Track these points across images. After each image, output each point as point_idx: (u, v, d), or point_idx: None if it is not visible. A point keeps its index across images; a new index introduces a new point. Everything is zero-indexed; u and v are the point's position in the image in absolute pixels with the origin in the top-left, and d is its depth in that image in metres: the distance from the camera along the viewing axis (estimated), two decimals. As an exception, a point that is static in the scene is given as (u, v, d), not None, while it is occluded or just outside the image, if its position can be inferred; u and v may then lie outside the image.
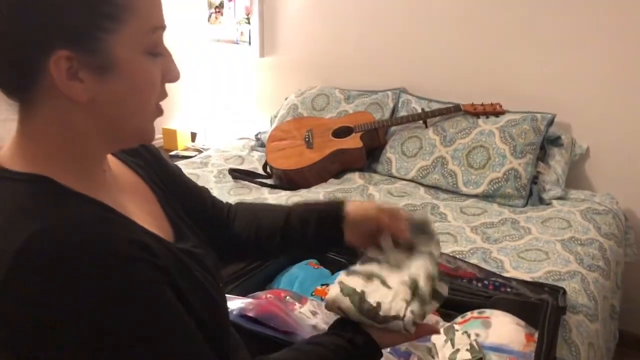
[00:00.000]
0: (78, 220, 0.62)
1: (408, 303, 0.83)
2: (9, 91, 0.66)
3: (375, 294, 0.85)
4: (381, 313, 0.83)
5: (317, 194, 2.26)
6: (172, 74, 0.73)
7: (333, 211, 0.98)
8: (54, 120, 0.66)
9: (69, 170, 0.68)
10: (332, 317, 1.19)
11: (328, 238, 0.98)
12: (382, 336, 0.85)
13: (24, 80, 0.64)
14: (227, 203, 1.07)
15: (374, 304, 0.84)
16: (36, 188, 0.65)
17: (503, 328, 1.18)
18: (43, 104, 0.66)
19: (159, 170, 0.91)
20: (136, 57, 0.67)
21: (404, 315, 0.82)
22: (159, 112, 0.74)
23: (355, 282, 0.87)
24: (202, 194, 1.02)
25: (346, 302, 0.85)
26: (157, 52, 0.70)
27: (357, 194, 2.26)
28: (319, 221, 0.98)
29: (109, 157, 0.81)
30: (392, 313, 0.83)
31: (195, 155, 2.84)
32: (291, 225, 1.00)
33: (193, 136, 3.32)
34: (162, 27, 0.70)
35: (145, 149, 0.91)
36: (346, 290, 0.86)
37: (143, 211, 0.79)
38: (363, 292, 0.85)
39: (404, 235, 0.92)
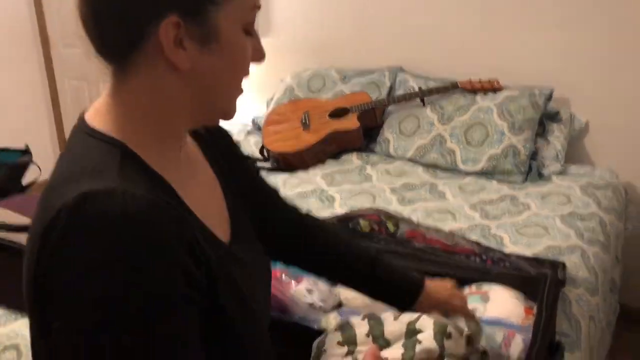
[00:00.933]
0: (129, 194, 0.58)
1: None
2: (111, 52, 0.66)
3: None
4: None
5: (315, 175, 2.24)
6: (259, 53, 0.73)
7: (423, 292, 1.01)
8: (148, 87, 0.66)
9: (147, 140, 0.68)
10: (328, 295, 1.19)
11: (396, 298, 1.01)
12: None
13: (131, 41, 0.64)
14: (297, 209, 1.03)
15: None
16: (108, 150, 0.65)
17: (502, 302, 1.17)
18: (140, 69, 0.66)
19: (235, 164, 0.89)
20: (237, 33, 0.68)
21: None
22: (242, 91, 0.74)
23: None
24: (274, 196, 1.00)
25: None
26: (251, 31, 0.71)
27: (354, 174, 2.24)
28: (400, 280, 1.01)
29: (190, 141, 0.80)
30: None
31: (192, 140, 2.81)
32: (378, 268, 1.00)
33: (190, 121, 3.30)
34: (259, 7, 0.71)
35: (221, 134, 0.91)
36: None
37: (206, 204, 0.76)
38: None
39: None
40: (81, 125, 0.69)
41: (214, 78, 0.68)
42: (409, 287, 1.01)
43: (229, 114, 0.74)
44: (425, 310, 0.95)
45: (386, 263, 1.01)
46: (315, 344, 0.91)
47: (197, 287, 0.61)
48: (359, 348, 0.87)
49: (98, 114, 0.69)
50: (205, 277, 0.63)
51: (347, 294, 1.22)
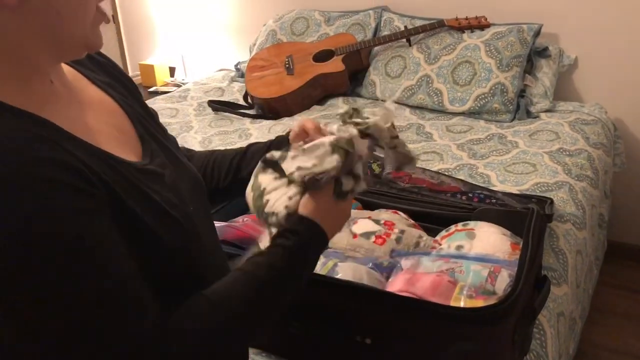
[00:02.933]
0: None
1: (290, 197, 0.79)
2: None
3: (274, 192, 0.81)
4: (265, 210, 0.80)
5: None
6: None
7: (280, 138, 0.96)
8: None
9: (5, 80, 0.62)
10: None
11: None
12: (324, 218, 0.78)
13: None
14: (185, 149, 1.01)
15: (264, 202, 0.81)
16: None
17: (488, 238, 1.15)
18: None
19: (138, 105, 0.84)
20: None
21: (279, 212, 0.78)
22: (102, 16, 0.67)
23: (265, 179, 0.83)
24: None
25: (249, 198, 0.83)
26: None
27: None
28: (271, 146, 0.95)
29: (70, 71, 0.75)
30: (270, 210, 0.80)
31: (175, 90, 2.75)
32: (246, 156, 0.97)
33: (172, 71, 3.22)
34: None
35: (127, 79, 0.86)
36: (255, 186, 0.83)
37: (107, 125, 0.74)
38: (264, 190, 0.82)
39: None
40: None
41: (51, 8, 0.60)
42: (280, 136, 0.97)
43: (90, 45, 0.66)
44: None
45: (250, 150, 0.98)
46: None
47: (100, 198, 0.61)
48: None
49: None
50: (110, 197, 0.62)
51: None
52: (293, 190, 0.80)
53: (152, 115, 0.87)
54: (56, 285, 0.56)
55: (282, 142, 0.96)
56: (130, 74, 3.34)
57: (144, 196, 0.68)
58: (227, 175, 0.97)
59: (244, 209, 1.36)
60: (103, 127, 0.73)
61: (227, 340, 0.69)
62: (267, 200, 0.81)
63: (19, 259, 0.55)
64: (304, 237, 0.77)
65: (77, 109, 0.71)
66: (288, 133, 0.95)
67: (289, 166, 0.80)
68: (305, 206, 0.79)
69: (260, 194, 0.82)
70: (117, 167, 0.67)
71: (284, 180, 0.81)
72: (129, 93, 0.84)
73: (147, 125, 0.83)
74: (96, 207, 0.60)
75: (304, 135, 0.89)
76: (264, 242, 0.81)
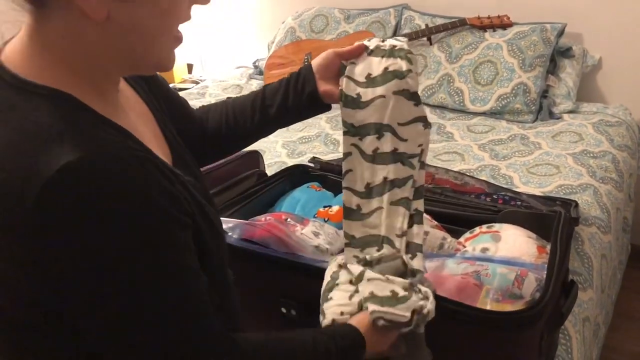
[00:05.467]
0: (113, 155, 0.56)
1: (342, 313, 0.83)
2: None
3: (338, 293, 0.85)
4: (324, 305, 0.85)
5: (319, 119, 2.19)
6: None
7: (302, 69, 0.95)
8: (68, 34, 0.59)
9: (87, 87, 0.62)
10: (335, 238, 1.16)
11: (305, 94, 0.93)
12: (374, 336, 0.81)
13: None
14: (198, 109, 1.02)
15: (328, 297, 0.85)
16: (60, 107, 0.58)
17: (513, 241, 1.13)
18: (57, 13, 0.59)
19: (152, 83, 0.84)
20: None
21: (326, 317, 0.84)
22: (179, 40, 0.67)
23: (343, 277, 0.86)
24: (186, 105, 0.97)
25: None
26: None
27: (360, 117, 2.18)
28: (291, 82, 0.95)
29: None
30: (324, 308, 0.84)
31: (192, 87, 2.75)
32: (266, 96, 0.96)
33: (190, 68, 3.22)
34: None
35: None
36: (333, 275, 0.86)
37: (149, 133, 0.74)
38: (336, 284, 0.85)
39: (359, 50, 0.91)
40: (5, 73, 0.60)
41: (137, 30, 0.61)
42: (299, 70, 0.96)
43: (163, 65, 0.67)
44: (326, 67, 0.93)
45: (268, 88, 0.98)
46: (329, 273, 0.89)
47: (185, 213, 0.63)
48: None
49: (25, 61, 0.60)
50: (192, 221, 0.64)
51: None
52: (349, 308, 0.82)
53: (167, 103, 0.87)
54: (150, 307, 0.59)
55: (305, 72, 0.95)
56: (149, 70, 3.35)
57: (203, 212, 0.69)
58: (254, 116, 0.96)
59: (265, 209, 1.36)
60: (149, 134, 0.74)
61: None
62: (330, 298, 0.84)
63: (121, 283, 0.57)
64: (351, 347, 0.78)
65: (132, 116, 0.72)
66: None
67: (363, 288, 0.82)
68: (360, 321, 0.80)
69: (331, 287, 0.85)
70: (187, 186, 0.67)
71: (353, 289, 0.84)
72: (147, 83, 0.83)
73: (168, 124, 0.82)
74: (189, 236, 0.63)
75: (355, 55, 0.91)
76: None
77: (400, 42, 0.90)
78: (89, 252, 0.54)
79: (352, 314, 0.82)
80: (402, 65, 0.88)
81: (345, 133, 0.91)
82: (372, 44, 0.91)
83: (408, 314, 0.79)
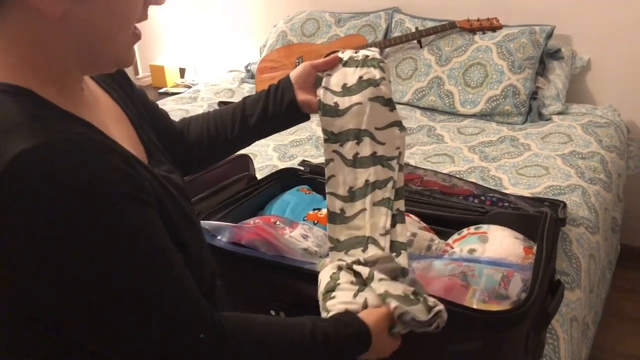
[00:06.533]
0: (69, 140, 0.56)
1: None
2: None
3: (341, 292, 0.84)
4: (326, 303, 0.84)
5: (311, 122, 2.19)
6: None
7: (281, 81, 1.00)
8: (24, 34, 0.60)
9: (47, 84, 0.62)
10: (324, 240, 1.16)
11: (284, 104, 0.98)
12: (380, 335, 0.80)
13: None
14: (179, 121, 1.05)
15: (331, 296, 0.84)
16: (19, 100, 0.59)
17: (500, 242, 1.14)
18: (12, 13, 0.59)
19: (129, 91, 0.86)
20: None
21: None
22: (137, 37, 0.67)
23: (344, 278, 0.86)
24: (167, 116, 0.99)
25: (322, 282, 0.86)
26: None
27: (351, 120, 2.19)
28: (271, 93, 0.99)
29: None
30: (328, 306, 0.84)
31: (185, 91, 2.76)
32: (246, 106, 1.00)
33: (182, 72, 3.22)
34: None
35: (117, 72, 0.85)
36: (333, 276, 0.86)
37: (121, 133, 0.75)
38: (337, 285, 0.85)
39: (334, 61, 0.96)
40: None
41: (92, 28, 0.62)
42: (278, 81, 1.00)
43: (122, 62, 0.67)
44: (304, 78, 0.97)
45: (248, 100, 1.01)
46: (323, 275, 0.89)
47: (147, 193, 0.63)
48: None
49: None
50: (160, 207, 0.64)
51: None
52: (354, 306, 0.82)
53: (146, 112, 0.88)
54: (137, 290, 0.59)
55: (284, 84, 0.99)
56: (141, 74, 3.35)
57: (178, 206, 0.70)
58: (234, 126, 0.99)
59: (254, 212, 1.36)
60: (121, 134, 0.74)
61: None
62: (334, 297, 0.83)
63: (103, 269, 0.57)
64: (354, 335, 0.77)
65: (100, 114, 0.72)
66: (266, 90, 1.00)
67: (377, 286, 0.82)
68: (368, 314, 0.80)
69: (333, 287, 0.84)
70: (154, 175, 0.68)
71: (356, 288, 0.84)
72: (122, 90, 0.84)
73: (146, 128, 0.83)
74: (154, 215, 0.63)
75: (330, 66, 0.96)
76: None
77: (373, 52, 0.95)
78: (52, 237, 0.54)
79: (357, 312, 0.82)
80: (376, 73, 0.92)
81: (325, 141, 0.94)
82: (345, 55, 0.95)
83: (427, 315, 0.80)
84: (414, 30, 2.37)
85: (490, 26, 2.27)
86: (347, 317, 0.80)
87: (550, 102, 2.17)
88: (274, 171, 1.44)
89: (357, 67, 0.94)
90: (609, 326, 1.96)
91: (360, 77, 0.92)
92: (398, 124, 0.94)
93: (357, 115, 0.92)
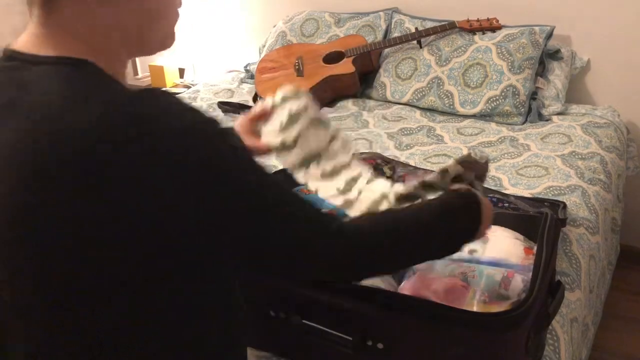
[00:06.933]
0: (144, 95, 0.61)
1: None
2: None
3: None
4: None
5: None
6: None
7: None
8: (81, 17, 0.63)
9: (101, 64, 0.65)
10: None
11: None
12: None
13: None
14: None
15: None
16: (84, 70, 0.63)
17: (501, 242, 1.14)
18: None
19: None
20: None
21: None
22: (179, 16, 0.72)
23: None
24: None
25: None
26: None
27: (351, 121, 2.19)
28: None
29: None
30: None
31: (184, 91, 2.75)
32: None
33: (181, 72, 3.22)
34: None
35: None
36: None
37: None
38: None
39: (265, 109, 1.04)
40: (24, 57, 0.63)
41: (142, 8, 0.66)
42: None
43: (167, 42, 0.72)
44: None
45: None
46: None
47: None
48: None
49: (41, 43, 0.63)
50: None
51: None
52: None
53: None
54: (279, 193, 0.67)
55: None
56: (140, 75, 3.34)
57: None
58: None
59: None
60: None
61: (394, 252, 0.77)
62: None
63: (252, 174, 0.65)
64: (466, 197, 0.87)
65: None
66: None
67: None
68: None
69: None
70: None
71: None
72: None
73: None
74: None
75: (264, 115, 1.03)
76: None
77: (285, 89, 1.05)
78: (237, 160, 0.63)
79: None
80: (299, 103, 1.03)
81: (293, 173, 1.04)
82: (269, 101, 1.04)
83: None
84: (413, 30, 2.37)
85: (490, 26, 2.27)
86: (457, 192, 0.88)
87: (550, 102, 2.17)
88: (273, 171, 1.43)
89: (283, 105, 1.03)
90: (608, 327, 1.95)
91: (290, 112, 1.03)
92: (335, 133, 1.06)
93: (302, 144, 1.03)
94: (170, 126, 0.58)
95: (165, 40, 0.71)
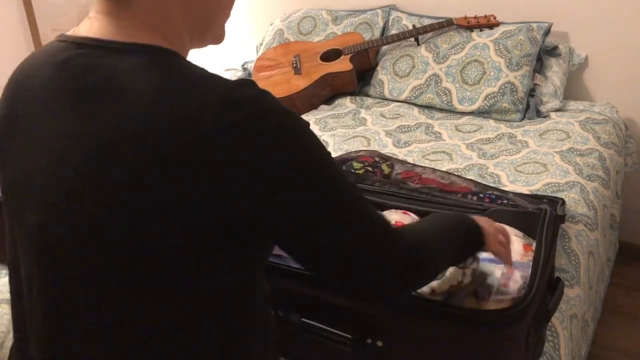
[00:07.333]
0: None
1: None
2: None
3: None
4: None
5: (308, 121, 2.19)
6: None
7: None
8: (152, 8, 0.67)
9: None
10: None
11: None
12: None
13: None
14: None
15: None
16: (173, 57, 0.66)
17: (500, 239, 1.14)
18: None
19: None
20: None
21: None
22: (230, 15, 0.77)
23: None
24: None
25: None
26: None
27: (349, 119, 2.19)
28: None
29: None
30: None
31: (182, 90, 2.75)
32: None
33: (179, 71, 3.21)
34: None
35: None
36: None
37: None
38: None
39: None
40: (107, 44, 0.65)
41: (207, 2, 0.71)
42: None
43: (222, 36, 0.77)
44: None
45: None
46: None
47: None
48: None
49: (113, 33, 0.66)
50: None
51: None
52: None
53: None
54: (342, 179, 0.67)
55: None
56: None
57: None
58: None
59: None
60: None
61: (430, 263, 0.77)
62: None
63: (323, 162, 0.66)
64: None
65: None
66: None
67: None
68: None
69: None
70: None
71: None
72: None
73: None
74: None
75: None
76: None
77: None
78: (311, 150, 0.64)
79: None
80: None
81: None
82: None
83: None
84: (411, 27, 2.36)
85: (488, 23, 2.27)
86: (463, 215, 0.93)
87: (548, 99, 2.16)
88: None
89: None
90: (607, 323, 1.96)
91: None
92: None
93: None
94: (270, 108, 0.62)
95: (220, 35, 0.76)
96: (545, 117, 2.11)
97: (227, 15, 0.75)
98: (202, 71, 0.64)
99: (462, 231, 0.87)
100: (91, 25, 0.68)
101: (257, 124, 0.60)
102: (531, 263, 1.03)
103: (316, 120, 2.18)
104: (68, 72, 0.65)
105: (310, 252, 0.67)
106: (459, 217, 0.92)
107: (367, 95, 2.40)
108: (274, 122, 0.61)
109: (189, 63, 0.66)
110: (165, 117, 0.59)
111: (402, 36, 2.33)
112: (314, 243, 0.66)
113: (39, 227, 0.65)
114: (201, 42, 0.75)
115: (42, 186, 0.65)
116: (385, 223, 0.70)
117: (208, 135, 0.59)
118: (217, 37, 0.76)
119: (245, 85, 0.62)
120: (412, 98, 2.27)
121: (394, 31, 2.42)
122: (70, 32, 0.70)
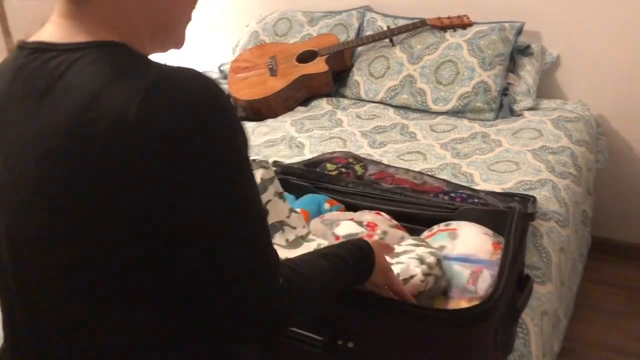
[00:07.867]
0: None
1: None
2: None
3: None
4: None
5: (284, 122, 2.19)
6: None
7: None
8: (110, 9, 0.66)
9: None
10: (295, 242, 1.17)
11: None
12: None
13: None
14: None
15: None
16: (122, 51, 0.65)
17: (470, 238, 1.15)
18: None
19: None
20: None
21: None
22: (190, 20, 0.76)
23: None
24: None
25: None
26: None
27: (325, 120, 2.19)
28: None
29: None
30: None
31: (158, 93, 2.73)
32: None
33: (155, 74, 3.19)
34: None
35: None
36: None
37: None
38: None
39: None
40: (59, 46, 0.65)
41: (167, 8, 0.70)
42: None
43: (180, 42, 0.76)
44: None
45: None
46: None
47: None
48: None
49: (71, 33, 0.66)
50: None
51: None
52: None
53: None
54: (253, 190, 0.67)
55: None
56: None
57: None
58: None
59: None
60: None
61: (308, 301, 0.76)
62: None
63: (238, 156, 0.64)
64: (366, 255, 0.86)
65: None
66: None
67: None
68: (376, 243, 0.92)
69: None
70: None
71: None
72: None
73: None
74: None
75: None
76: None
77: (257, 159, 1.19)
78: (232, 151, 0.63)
79: None
80: (269, 172, 1.17)
81: None
82: None
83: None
84: (385, 28, 2.38)
85: (461, 24, 2.29)
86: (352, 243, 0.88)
87: (521, 98, 2.19)
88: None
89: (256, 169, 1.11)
90: (581, 317, 1.99)
91: (262, 177, 1.14)
92: (291, 210, 1.20)
93: (272, 209, 1.14)
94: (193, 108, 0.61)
95: (181, 39, 0.75)
96: (518, 115, 2.14)
97: (189, 17, 0.75)
98: (146, 62, 0.64)
99: (349, 274, 0.84)
100: (52, 29, 0.68)
101: (178, 123, 0.60)
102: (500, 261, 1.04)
103: (292, 122, 2.18)
104: (23, 77, 0.66)
105: (195, 264, 0.64)
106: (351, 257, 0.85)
107: (343, 97, 2.40)
108: (194, 123, 0.61)
109: (139, 55, 0.66)
110: (97, 111, 0.59)
111: (377, 37, 2.35)
112: (201, 253, 0.63)
113: (7, 227, 0.67)
114: (164, 45, 0.75)
115: (4, 191, 0.66)
116: (276, 262, 0.68)
117: (129, 127, 0.58)
118: (179, 41, 0.75)
119: (177, 75, 0.62)
120: (388, 99, 2.28)
121: (369, 32, 2.43)
122: (31, 38, 0.70)
